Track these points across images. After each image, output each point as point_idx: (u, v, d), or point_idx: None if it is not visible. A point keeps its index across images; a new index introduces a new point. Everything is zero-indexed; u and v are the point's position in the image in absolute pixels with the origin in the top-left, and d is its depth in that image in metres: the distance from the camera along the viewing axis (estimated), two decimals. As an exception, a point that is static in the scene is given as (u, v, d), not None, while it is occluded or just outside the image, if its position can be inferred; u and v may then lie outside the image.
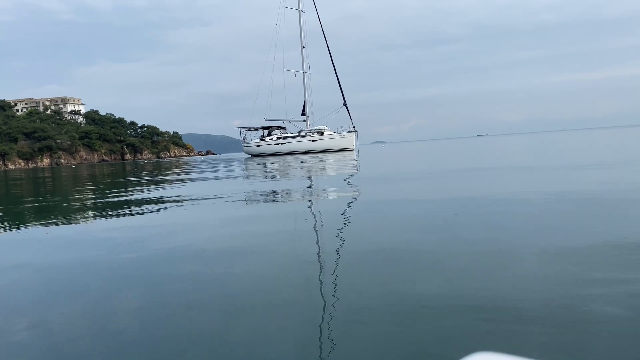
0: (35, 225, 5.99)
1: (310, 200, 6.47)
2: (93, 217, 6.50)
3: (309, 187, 8.54)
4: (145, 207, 6.86)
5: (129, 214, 6.31)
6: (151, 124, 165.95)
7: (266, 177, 12.17)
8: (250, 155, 51.74)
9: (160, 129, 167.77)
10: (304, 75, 52.58)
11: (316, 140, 49.35)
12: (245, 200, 7.23)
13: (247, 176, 12.87)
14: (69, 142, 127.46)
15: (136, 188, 11.65)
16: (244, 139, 54.13)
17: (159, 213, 6.16)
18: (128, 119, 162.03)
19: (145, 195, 9.40)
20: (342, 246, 3.51)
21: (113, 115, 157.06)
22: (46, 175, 31.96)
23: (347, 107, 49.62)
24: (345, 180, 8.27)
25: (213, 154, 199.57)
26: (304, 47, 52.67)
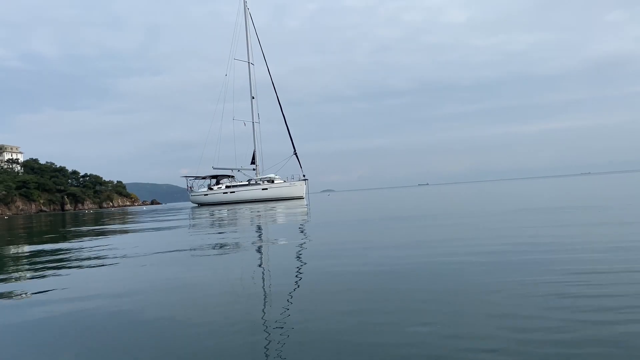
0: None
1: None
2: None
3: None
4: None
5: None
6: (95, 173, 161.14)
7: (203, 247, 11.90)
8: (197, 205, 50.77)
9: (103, 178, 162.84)
10: (253, 125, 52.97)
11: (266, 189, 49.17)
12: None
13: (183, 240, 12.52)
14: (4, 192, 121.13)
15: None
16: (190, 187, 53.18)
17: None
18: (73, 168, 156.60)
19: (86, 243, 8.94)
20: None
21: (54, 164, 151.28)
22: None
23: (297, 156, 50.06)
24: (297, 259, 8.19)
25: (158, 203, 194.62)
26: (253, 98, 53.32)
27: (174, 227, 11.27)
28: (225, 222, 12.89)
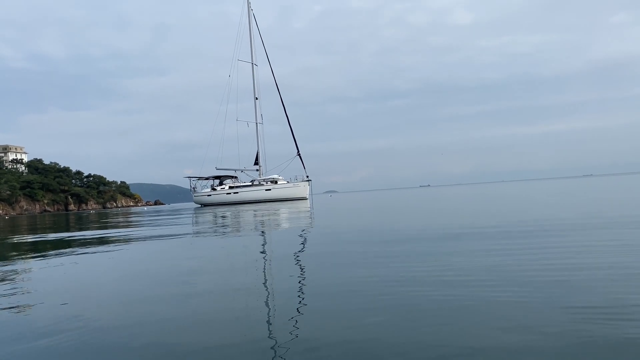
0: None
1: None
2: None
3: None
4: None
5: None
6: (99, 174, 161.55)
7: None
8: (200, 205, 50.84)
9: (107, 179, 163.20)
10: (257, 126, 53.05)
11: (270, 190, 49.18)
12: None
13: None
14: (8, 192, 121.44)
15: None
16: (194, 188, 53.21)
17: None
18: (78, 168, 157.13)
19: None
20: None
21: (58, 164, 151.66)
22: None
23: (300, 157, 50.11)
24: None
25: (162, 204, 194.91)
26: (257, 99, 53.40)
27: (163, 259, 11.05)
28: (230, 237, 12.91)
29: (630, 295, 2.96)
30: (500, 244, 5.58)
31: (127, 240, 9.67)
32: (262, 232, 9.77)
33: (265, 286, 3.88)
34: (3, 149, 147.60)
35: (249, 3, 53.88)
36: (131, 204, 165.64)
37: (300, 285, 3.84)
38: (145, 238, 9.78)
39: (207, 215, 21.08)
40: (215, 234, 10.05)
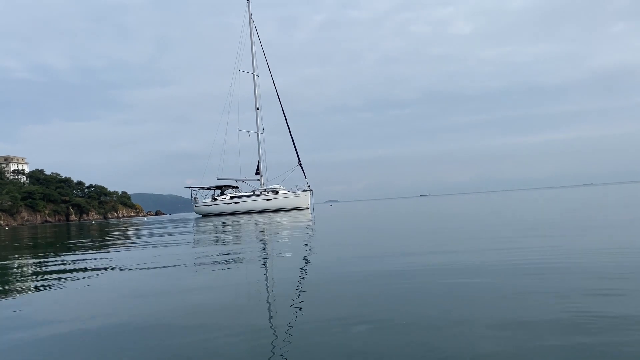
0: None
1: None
2: None
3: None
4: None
5: None
6: (101, 184, 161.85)
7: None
8: (201, 215, 50.76)
9: (108, 189, 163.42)
10: (258, 136, 53.16)
11: (271, 199, 49.17)
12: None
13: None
14: (9, 203, 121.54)
15: None
16: (195, 198, 53.23)
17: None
18: (79, 179, 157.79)
19: None
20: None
21: (59, 174, 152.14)
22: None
23: (301, 167, 50.21)
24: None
25: (163, 214, 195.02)
26: (258, 109, 53.54)
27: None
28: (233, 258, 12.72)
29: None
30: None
31: (103, 268, 9.46)
32: (264, 261, 9.57)
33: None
34: (5, 160, 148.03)
35: (250, 14, 54.23)
36: (132, 214, 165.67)
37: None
38: (135, 266, 9.57)
39: (208, 230, 20.88)
40: (218, 262, 9.85)
